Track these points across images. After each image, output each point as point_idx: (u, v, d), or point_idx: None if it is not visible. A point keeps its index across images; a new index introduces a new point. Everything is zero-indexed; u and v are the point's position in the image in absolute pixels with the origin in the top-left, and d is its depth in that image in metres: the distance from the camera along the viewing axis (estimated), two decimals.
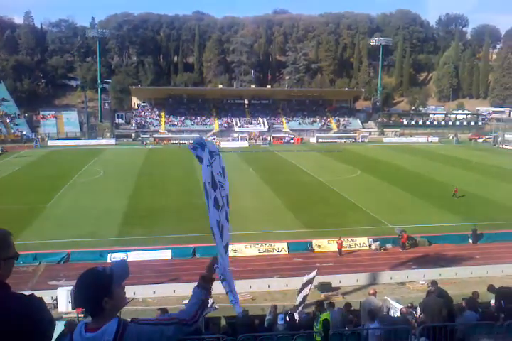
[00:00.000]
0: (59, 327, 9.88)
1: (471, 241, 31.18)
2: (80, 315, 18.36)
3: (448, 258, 28.42)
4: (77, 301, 3.04)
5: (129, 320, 3.08)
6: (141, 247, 28.38)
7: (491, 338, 10.02)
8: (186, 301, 3.47)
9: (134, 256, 27.18)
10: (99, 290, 2.94)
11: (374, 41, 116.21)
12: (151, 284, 23.04)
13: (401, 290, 23.76)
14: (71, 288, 21.56)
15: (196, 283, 3.59)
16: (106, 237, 30.45)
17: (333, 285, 24.05)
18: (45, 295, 18.48)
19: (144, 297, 21.88)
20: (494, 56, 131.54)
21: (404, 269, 26.71)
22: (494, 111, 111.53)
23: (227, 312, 16.46)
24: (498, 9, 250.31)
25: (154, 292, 22.61)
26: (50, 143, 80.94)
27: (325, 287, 23.68)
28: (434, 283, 13.08)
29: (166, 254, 27.82)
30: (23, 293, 2.82)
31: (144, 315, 15.87)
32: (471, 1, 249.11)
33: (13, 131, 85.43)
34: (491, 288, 14.66)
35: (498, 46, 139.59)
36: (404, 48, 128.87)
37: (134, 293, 21.23)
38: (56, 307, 20.70)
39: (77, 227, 32.30)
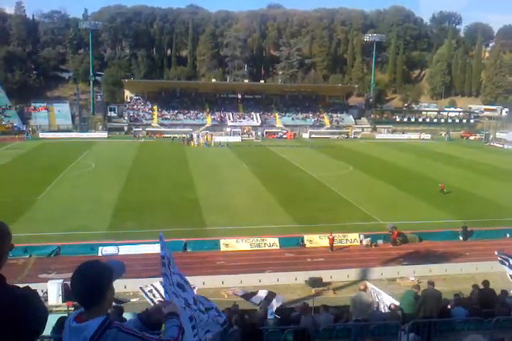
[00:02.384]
0: (51, 321, 9.84)
1: (461, 237, 31.38)
2: (70, 309, 18.33)
3: (438, 254, 28.61)
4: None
5: (119, 321, 3.05)
6: (133, 241, 28.32)
7: (480, 334, 10.11)
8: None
9: (125, 250, 27.17)
10: (105, 279, 2.98)
11: (368, 37, 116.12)
12: (142, 278, 23.01)
13: (392, 286, 23.86)
14: (61, 281, 21.53)
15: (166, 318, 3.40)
16: (97, 230, 30.40)
17: (324, 281, 24.15)
18: (35, 289, 18.42)
19: (134, 291, 21.83)
20: (487, 54, 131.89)
21: (394, 265, 26.87)
22: (486, 109, 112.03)
23: (218, 307, 16.47)
24: (490, 8, 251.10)
25: (146, 286, 22.55)
26: (42, 135, 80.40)
27: (316, 282, 23.77)
28: (430, 283, 13.27)
29: (157, 248, 27.74)
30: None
31: (134, 309, 15.85)
32: None
33: (3, 122, 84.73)
34: (474, 288, 14.82)
35: (490, 44, 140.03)
36: (398, 45, 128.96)
37: (125, 287, 21.20)
38: (46, 300, 20.64)
39: (68, 220, 32.20)
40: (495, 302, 12.38)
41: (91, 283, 2.92)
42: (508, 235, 31.96)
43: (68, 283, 19.73)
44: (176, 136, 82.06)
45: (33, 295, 2.79)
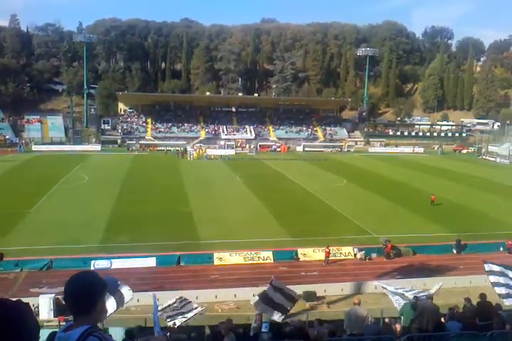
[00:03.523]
0: (42, 335, 9.70)
1: (455, 251, 31.38)
2: (62, 323, 18.09)
3: (432, 268, 28.55)
4: (71, 294, 2.98)
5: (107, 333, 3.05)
6: (126, 254, 28.10)
7: None
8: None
9: (118, 264, 26.93)
10: (98, 289, 2.99)
11: (361, 52, 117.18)
12: (135, 292, 22.79)
13: (386, 300, 23.73)
14: (53, 295, 21.28)
15: None
16: (90, 244, 30.14)
17: (318, 295, 24.01)
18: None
19: (127, 305, 21.62)
20: (478, 68, 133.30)
21: (389, 279, 26.74)
22: (478, 123, 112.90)
23: (211, 321, 16.35)
24: (482, 23, 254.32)
25: (138, 300, 22.31)
26: (35, 147, 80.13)
27: (310, 296, 23.62)
28: (429, 297, 13.27)
29: (151, 262, 27.59)
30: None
31: (127, 323, 15.68)
32: (456, 15, 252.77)
33: None
34: (466, 301, 14.78)
35: (482, 59, 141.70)
36: (391, 59, 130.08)
37: None
38: (38, 315, 20.38)
39: (60, 233, 31.93)
40: (493, 314, 12.33)
41: (83, 290, 2.94)
42: (501, 248, 31.97)
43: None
44: (169, 148, 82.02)
45: (25, 307, 2.76)
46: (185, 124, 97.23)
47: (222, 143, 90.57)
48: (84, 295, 2.94)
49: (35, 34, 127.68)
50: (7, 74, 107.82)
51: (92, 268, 26.00)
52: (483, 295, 13.73)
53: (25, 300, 2.83)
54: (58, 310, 20.44)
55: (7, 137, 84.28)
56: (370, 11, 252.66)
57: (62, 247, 29.03)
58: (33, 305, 20.35)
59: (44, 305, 20.90)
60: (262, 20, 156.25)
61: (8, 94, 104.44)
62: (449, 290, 25.02)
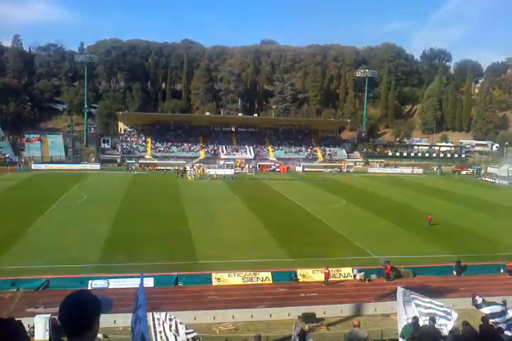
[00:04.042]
0: None
1: (455, 272, 31.16)
2: None
3: (432, 289, 28.22)
4: (66, 315, 2.94)
5: None
6: (123, 274, 27.84)
7: None
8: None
9: (115, 284, 26.68)
10: (93, 309, 2.97)
11: (360, 73, 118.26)
12: (132, 313, 22.52)
13: (385, 322, 23.49)
14: (49, 315, 21.00)
15: None
16: (87, 263, 29.93)
17: (317, 316, 23.75)
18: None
19: (124, 326, 21.34)
20: (476, 90, 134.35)
21: (388, 300, 26.47)
22: (477, 144, 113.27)
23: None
24: (479, 46, 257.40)
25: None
26: (34, 166, 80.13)
27: (309, 318, 23.36)
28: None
29: (148, 282, 27.28)
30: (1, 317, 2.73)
31: None
32: (454, 37, 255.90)
33: None
34: (464, 325, 14.60)
35: (480, 81, 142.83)
36: (390, 81, 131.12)
37: (115, 322, 20.72)
38: (33, 335, 20.10)
39: (58, 253, 31.72)
40: (497, 338, 12.19)
41: (78, 312, 2.92)
42: (502, 270, 31.76)
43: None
44: (169, 168, 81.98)
45: (17, 325, 2.71)
46: (185, 144, 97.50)
47: (221, 162, 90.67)
48: (79, 317, 2.91)
49: (37, 54, 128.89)
50: (8, 93, 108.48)
51: (89, 287, 25.76)
52: (484, 318, 13.59)
53: (20, 320, 2.78)
54: (54, 330, 20.13)
55: (7, 156, 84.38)
56: (369, 33, 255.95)
57: (59, 266, 28.83)
58: (28, 326, 20.08)
59: (40, 326, 20.60)
60: (262, 42, 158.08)
61: (8, 113, 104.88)
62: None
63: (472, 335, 13.33)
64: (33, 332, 20.36)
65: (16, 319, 2.81)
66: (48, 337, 20.28)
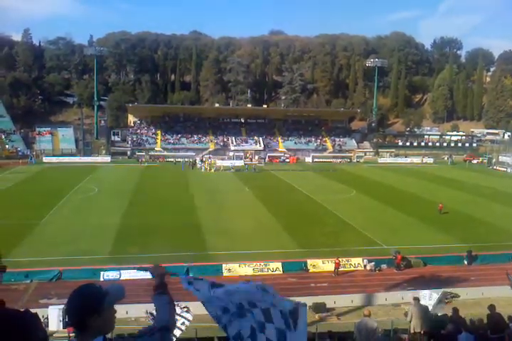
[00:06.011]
0: None
1: (466, 262, 31.09)
2: (71, 335, 18.09)
3: (443, 279, 28.27)
4: (67, 314, 3.01)
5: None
6: (135, 265, 28.05)
7: None
8: (152, 311, 3.46)
9: (127, 275, 26.91)
10: (90, 305, 2.92)
11: (369, 63, 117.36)
12: (144, 303, 22.74)
13: (396, 312, 23.55)
14: (62, 306, 21.27)
15: (154, 294, 3.57)
16: (99, 255, 30.19)
17: (327, 306, 23.84)
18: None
19: (136, 316, 21.59)
20: (488, 79, 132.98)
21: (399, 290, 26.53)
22: (489, 133, 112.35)
23: (220, 333, 16.20)
24: (491, 34, 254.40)
25: (147, 311, 22.28)
26: (45, 159, 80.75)
27: (319, 308, 23.46)
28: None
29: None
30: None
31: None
32: (465, 26, 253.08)
33: (8, 147, 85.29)
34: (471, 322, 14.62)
35: (491, 69, 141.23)
36: (400, 70, 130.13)
37: (127, 312, 20.93)
38: (47, 326, 20.39)
39: (70, 244, 32.03)
40: (505, 326, 12.23)
41: (76, 308, 2.94)
42: None
43: None
44: (179, 160, 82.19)
45: (33, 316, 2.77)
46: (195, 135, 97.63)
47: (231, 154, 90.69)
48: (79, 312, 2.93)
49: (46, 48, 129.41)
50: (19, 87, 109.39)
51: (101, 279, 26.04)
52: (491, 307, 13.60)
53: (34, 311, 2.84)
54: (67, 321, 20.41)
55: (18, 149, 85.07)
56: (378, 22, 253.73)
57: (71, 258, 29.13)
58: (43, 317, 20.37)
59: (53, 317, 20.89)
60: (270, 32, 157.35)
61: (19, 107, 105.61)
62: (461, 301, 24.78)
63: (482, 324, 13.37)
64: (47, 322, 20.66)
65: (31, 310, 2.86)
66: (61, 328, 20.56)
